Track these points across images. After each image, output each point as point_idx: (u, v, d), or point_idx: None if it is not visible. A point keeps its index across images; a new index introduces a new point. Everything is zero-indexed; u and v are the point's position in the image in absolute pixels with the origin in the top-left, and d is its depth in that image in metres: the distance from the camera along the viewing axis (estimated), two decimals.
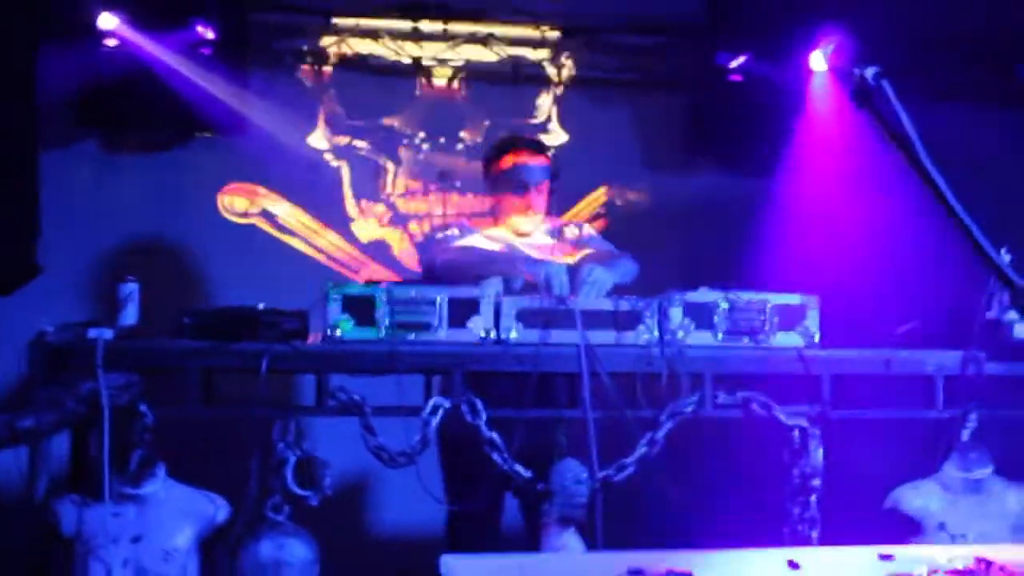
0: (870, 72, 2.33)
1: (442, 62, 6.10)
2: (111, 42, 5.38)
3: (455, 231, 4.60)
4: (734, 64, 5.83)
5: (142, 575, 3.54)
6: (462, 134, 6.14)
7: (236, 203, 5.91)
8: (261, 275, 5.63)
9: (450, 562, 2.36)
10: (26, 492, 3.63)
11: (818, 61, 5.50)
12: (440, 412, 3.78)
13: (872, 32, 5.44)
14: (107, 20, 5.33)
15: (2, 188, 3.86)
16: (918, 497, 4.04)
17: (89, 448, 3.77)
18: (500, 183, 4.60)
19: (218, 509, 3.72)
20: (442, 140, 6.15)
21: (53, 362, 3.65)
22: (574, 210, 5.99)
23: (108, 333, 3.68)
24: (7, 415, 3.47)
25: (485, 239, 4.55)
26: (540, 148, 4.78)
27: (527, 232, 4.58)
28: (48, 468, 3.66)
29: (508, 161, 4.59)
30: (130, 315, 3.86)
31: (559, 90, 6.18)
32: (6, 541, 3.65)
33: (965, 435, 4.05)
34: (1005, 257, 3.87)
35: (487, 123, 6.11)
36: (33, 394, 3.56)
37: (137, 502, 3.60)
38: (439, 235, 4.63)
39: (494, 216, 4.68)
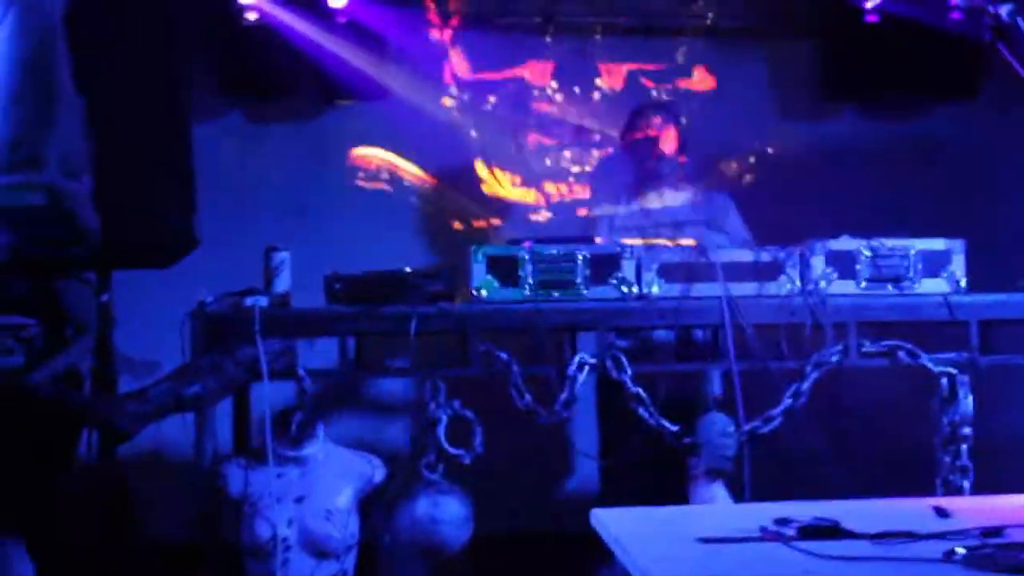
0: (1004, 9, 2.30)
1: (572, 16, 6.08)
2: (252, 15, 5.51)
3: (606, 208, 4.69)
4: (870, 4, 5.73)
5: (305, 534, 3.68)
6: (598, 82, 6.12)
7: (373, 168, 6.00)
8: (404, 238, 5.75)
9: (600, 515, 2.42)
10: (194, 456, 3.80)
11: None
12: (586, 368, 3.84)
13: None
14: None
15: (162, 164, 4.01)
16: None
17: (251, 412, 3.92)
18: (633, 145, 4.70)
19: (375, 469, 3.84)
20: (576, 90, 6.14)
21: (213, 331, 3.81)
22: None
23: (263, 300, 3.82)
24: (173, 382, 3.64)
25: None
26: (670, 119, 4.82)
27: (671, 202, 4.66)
28: (213, 433, 3.82)
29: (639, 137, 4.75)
30: (283, 282, 3.99)
31: (693, 40, 6.12)
32: (178, 503, 3.83)
33: None
34: None
35: (625, 69, 6.08)
36: (196, 362, 3.72)
37: (299, 463, 3.74)
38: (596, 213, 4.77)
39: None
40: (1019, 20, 2.28)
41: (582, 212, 5.32)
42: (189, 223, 4.01)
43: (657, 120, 4.77)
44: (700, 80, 5.94)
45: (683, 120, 4.92)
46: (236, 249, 5.42)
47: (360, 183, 5.94)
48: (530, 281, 3.91)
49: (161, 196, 3.93)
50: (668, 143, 4.75)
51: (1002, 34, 2.28)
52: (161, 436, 3.77)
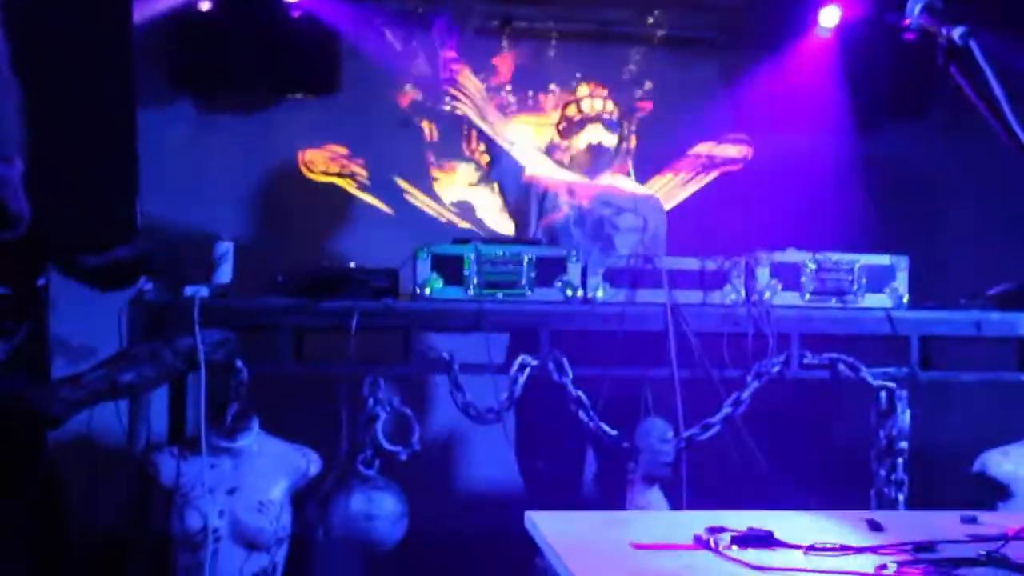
0: (958, 32, 2.30)
1: (529, 21, 6.09)
2: (205, 5, 5.47)
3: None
4: (824, 20, 5.78)
5: (237, 525, 3.63)
6: (551, 87, 6.13)
7: (324, 163, 5.96)
8: (350, 235, 5.73)
9: (536, 518, 2.40)
10: (127, 444, 3.76)
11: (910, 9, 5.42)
12: (527, 370, 3.83)
13: None
14: None
15: (104, 151, 3.96)
16: (1007, 462, 4.00)
17: (186, 402, 3.88)
18: (572, 123, 4.82)
19: (310, 463, 3.81)
20: (530, 95, 6.15)
21: (152, 319, 3.76)
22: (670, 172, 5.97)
23: (204, 291, 3.78)
24: (108, 369, 3.60)
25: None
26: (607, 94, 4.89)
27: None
28: (147, 421, 3.77)
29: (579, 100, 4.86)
30: (224, 273, 3.96)
31: (648, 50, 6.14)
32: (108, 492, 3.77)
33: None
34: None
35: (578, 76, 6.10)
36: (133, 349, 3.67)
37: (232, 455, 3.70)
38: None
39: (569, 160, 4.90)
40: (972, 43, 2.28)
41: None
42: (131, 211, 3.95)
43: (600, 106, 4.80)
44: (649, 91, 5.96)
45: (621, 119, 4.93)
46: (181, 237, 5.41)
47: (311, 177, 5.91)
48: (475, 281, 3.89)
49: (101, 183, 3.88)
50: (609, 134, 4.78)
51: (955, 57, 2.28)
52: (93, 422, 3.71)
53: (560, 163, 4.94)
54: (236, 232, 5.36)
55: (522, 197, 4.77)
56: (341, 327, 3.76)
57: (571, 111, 4.88)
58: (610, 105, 4.84)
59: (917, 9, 2.45)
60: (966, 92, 2.23)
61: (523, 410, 4.36)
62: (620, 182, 4.88)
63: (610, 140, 4.80)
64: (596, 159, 4.78)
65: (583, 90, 4.91)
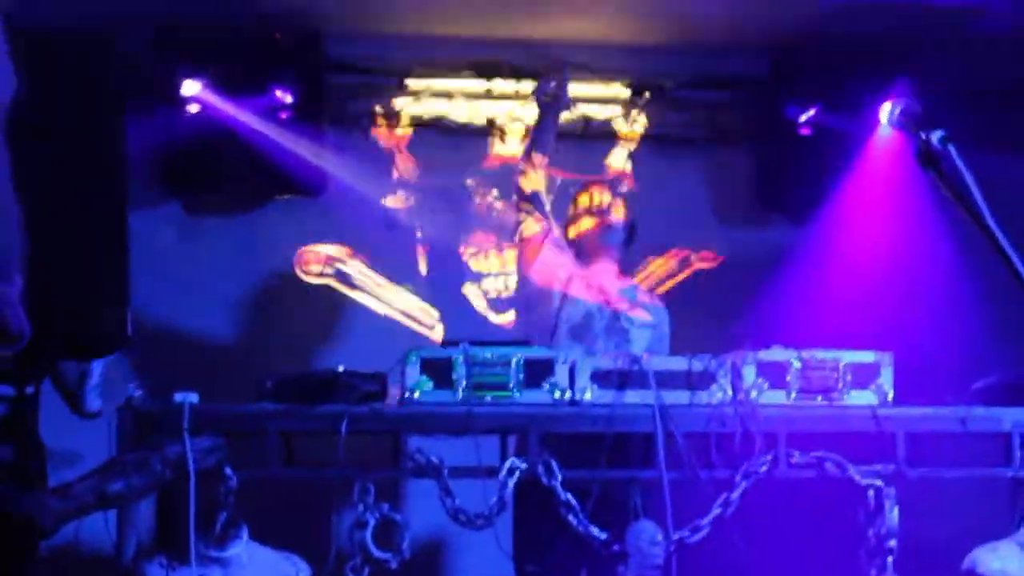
0: (936, 136, 2.36)
1: (515, 120, 6.17)
2: (193, 108, 5.53)
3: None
4: (803, 118, 5.88)
5: None
6: None
7: (314, 264, 6.01)
8: (340, 335, 5.75)
9: None
10: (115, 554, 3.74)
11: (885, 116, 5.53)
12: (516, 473, 3.83)
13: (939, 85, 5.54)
14: (190, 87, 5.49)
15: (96, 259, 4.01)
16: (996, 559, 4.00)
17: (176, 511, 3.87)
18: (580, 216, 4.78)
19: (299, 571, 3.80)
20: (515, 197, 6.21)
21: (141, 427, 3.77)
22: (650, 267, 6.03)
23: (194, 397, 3.78)
24: (96, 479, 3.59)
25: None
26: (618, 191, 4.93)
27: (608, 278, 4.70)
28: (136, 531, 3.76)
29: (589, 195, 4.82)
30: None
31: (630, 146, 6.23)
32: None
33: None
34: None
35: (559, 180, 6.17)
36: (121, 458, 3.67)
37: (222, 564, 3.69)
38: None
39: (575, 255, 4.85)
40: (950, 147, 2.34)
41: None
42: (122, 317, 3.99)
43: (604, 192, 4.82)
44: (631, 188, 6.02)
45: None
46: (170, 342, 5.43)
47: (303, 278, 5.95)
48: (463, 383, 3.91)
49: (93, 290, 3.92)
50: (616, 213, 4.79)
51: (932, 160, 2.33)
52: (81, 531, 3.70)
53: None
54: (227, 335, 5.44)
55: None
56: (331, 431, 3.77)
57: (583, 201, 4.87)
58: (619, 204, 4.85)
59: (896, 112, 2.51)
60: (945, 193, 2.29)
61: (519, 513, 4.37)
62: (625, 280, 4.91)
63: (619, 236, 4.82)
64: (606, 252, 4.78)
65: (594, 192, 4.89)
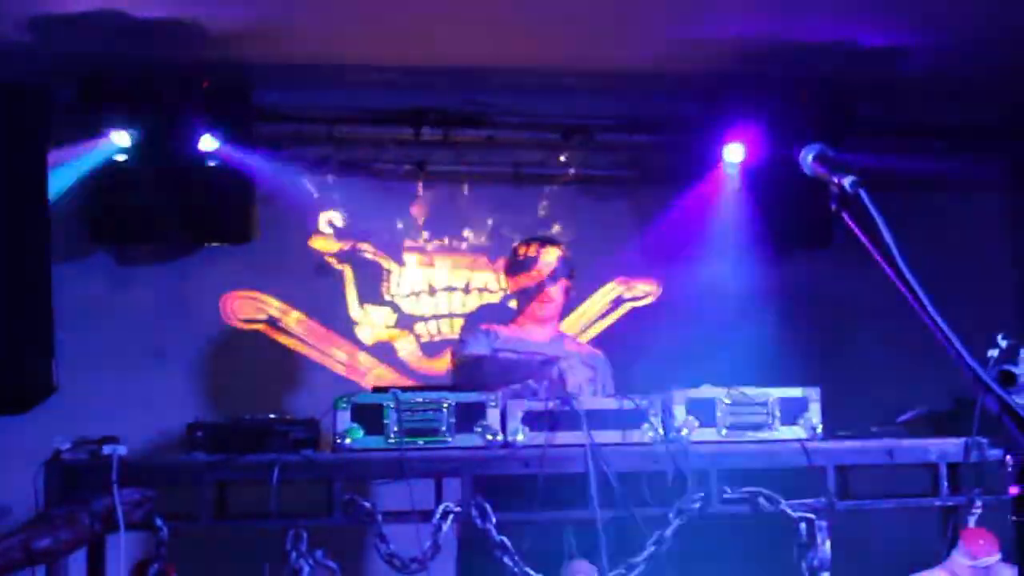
0: (848, 180, 2.41)
1: (443, 165, 6.20)
2: (121, 157, 5.50)
3: (480, 336, 4.76)
4: (728, 156, 5.95)
5: None
6: (465, 233, 6.23)
7: (243, 311, 5.98)
8: (271, 382, 5.72)
9: None
10: None
11: (804, 159, 5.61)
12: (451, 517, 3.83)
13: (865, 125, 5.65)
14: (117, 137, 5.46)
15: (18, 306, 3.97)
16: None
17: (106, 565, 3.81)
18: (521, 277, 4.82)
19: None
20: (446, 240, 6.25)
21: (69, 480, 3.72)
22: (583, 306, 6.07)
23: (122, 449, 3.74)
24: (23, 535, 3.53)
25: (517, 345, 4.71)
26: (557, 243, 4.96)
27: (542, 338, 4.73)
28: None
29: (527, 255, 4.84)
30: None
31: (560, 189, 6.28)
32: None
33: (971, 522, 4.07)
34: (1002, 344, 3.95)
35: (490, 222, 6.22)
36: (49, 513, 3.61)
37: None
38: (467, 337, 4.84)
39: (515, 313, 4.91)
40: (861, 191, 2.39)
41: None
42: (47, 368, 3.94)
43: (551, 260, 4.85)
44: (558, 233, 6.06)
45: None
46: (98, 392, 5.37)
47: (234, 325, 5.91)
48: (395, 429, 3.90)
49: (17, 341, 3.87)
50: (558, 285, 4.83)
51: (847, 204, 2.39)
52: None
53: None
54: (156, 384, 5.39)
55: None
56: (263, 481, 3.74)
57: (521, 252, 4.92)
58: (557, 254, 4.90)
59: (810, 158, 2.58)
60: (858, 236, 2.34)
61: (463, 556, 4.37)
62: (566, 341, 4.95)
63: (557, 306, 4.88)
64: (545, 309, 4.84)
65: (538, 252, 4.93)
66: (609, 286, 6.24)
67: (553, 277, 4.81)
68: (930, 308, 2.20)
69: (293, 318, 6.03)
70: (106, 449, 3.71)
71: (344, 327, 6.10)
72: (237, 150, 5.67)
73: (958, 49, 5.50)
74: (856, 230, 2.35)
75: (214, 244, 5.84)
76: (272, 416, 3.99)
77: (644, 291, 6.25)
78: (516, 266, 4.89)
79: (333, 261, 6.15)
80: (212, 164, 5.64)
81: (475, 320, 5.71)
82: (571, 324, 5.76)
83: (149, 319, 5.74)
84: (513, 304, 5.08)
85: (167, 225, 5.66)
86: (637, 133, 6.26)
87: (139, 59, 5.41)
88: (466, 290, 6.21)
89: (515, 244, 5.03)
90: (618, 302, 6.23)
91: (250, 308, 5.97)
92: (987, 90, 5.94)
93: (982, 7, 5.15)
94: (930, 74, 5.74)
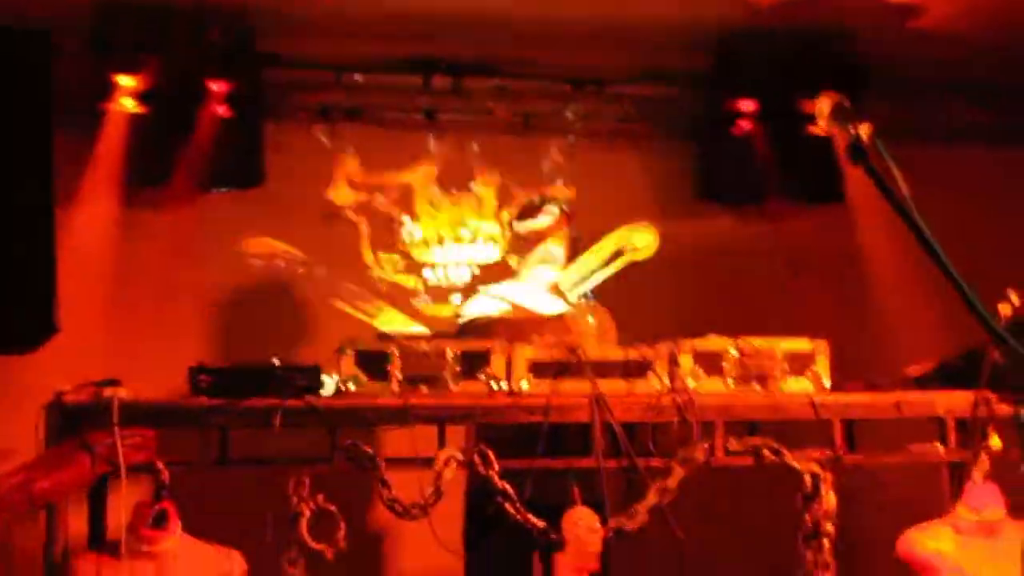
0: (864, 130, 2.37)
1: (453, 114, 6.15)
2: (128, 101, 5.47)
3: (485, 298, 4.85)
4: (741, 112, 5.89)
5: None
6: (475, 184, 6.18)
7: (252, 256, 5.94)
8: (280, 328, 5.70)
9: None
10: (44, 551, 3.68)
11: (817, 111, 5.55)
12: (453, 464, 3.82)
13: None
14: (126, 81, 5.43)
15: (18, 248, 3.95)
16: (931, 540, 4.04)
17: (106, 506, 3.81)
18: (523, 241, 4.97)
19: (235, 564, 3.75)
20: (454, 190, 6.20)
21: (71, 422, 3.71)
22: (583, 257, 6.02)
23: (123, 391, 3.73)
24: (23, 476, 3.52)
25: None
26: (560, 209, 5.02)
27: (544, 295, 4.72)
28: (64, 526, 3.70)
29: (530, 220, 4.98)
30: None
31: (569, 141, 6.22)
32: None
33: (976, 476, 4.05)
34: (1014, 299, 3.91)
35: (499, 172, 6.17)
36: (49, 454, 3.61)
37: (153, 558, 3.64)
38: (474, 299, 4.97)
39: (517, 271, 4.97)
40: (878, 141, 2.35)
41: None
42: (48, 309, 3.92)
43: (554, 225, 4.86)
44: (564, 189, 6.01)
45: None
46: (103, 336, 5.36)
47: (244, 270, 5.89)
48: (399, 376, 3.88)
49: (18, 281, 3.85)
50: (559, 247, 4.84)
51: (860, 155, 2.34)
52: (9, 528, 3.64)
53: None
54: (161, 330, 5.37)
55: None
56: (265, 426, 3.74)
57: (523, 211, 4.96)
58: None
59: (826, 108, 2.53)
60: (873, 187, 2.29)
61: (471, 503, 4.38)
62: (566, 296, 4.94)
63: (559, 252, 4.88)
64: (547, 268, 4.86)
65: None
66: (611, 238, 6.18)
67: (554, 236, 4.80)
68: (944, 259, 2.16)
69: (303, 264, 5.99)
70: (107, 391, 3.70)
71: (355, 274, 6.06)
72: (246, 97, 5.62)
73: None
74: (873, 181, 2.30)
75: (223, 190, 5.79)
76: (275, 361, 3.97)
77: (646, 242, 6.19)
78: (519, 228, 4.91)
79: (344, 209, 6.10)
80: (220, 109, 5.59)
81: (481, 274, 5.70)
82: (571, 275, 5.71)
83: (155, 263, 5.71)
84: (514, 262, 5.07)
85: (176, 171, 5.63)
86: (647, 85, 6.19)
87: (147, 6, 5.36)
88: (474, 239, 6.16)
89: (518, 203, 5.03)
90: (619, 253, 6.17)
91: (260, 253, 5.93)
92: (1011, 46, 5.83)
93: None
94: (947, 28, 5.65)
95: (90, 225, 5.53)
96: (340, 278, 5.97)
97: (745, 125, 5.91)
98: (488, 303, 4.80)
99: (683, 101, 6.15)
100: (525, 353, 4.00)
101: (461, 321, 4.86)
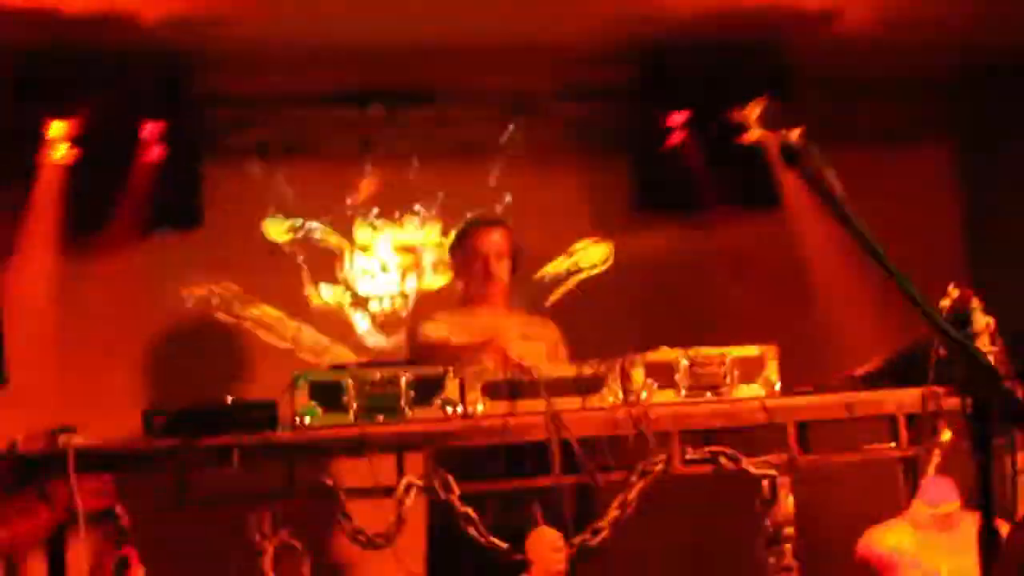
0: (795, 134, 2.42)
1: (391, 142, 6.17)
2: (62, 148, 5.42)
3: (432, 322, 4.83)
4: (674, 124, 5.96)
5: None
6: (416, 210, 6.21)
7: (194, 297, 5.92)
8: (228, 367, 5.67)
9: None
10: None
11: (750, 118, 5.65)
12: (413, 491, 3.82)
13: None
14: (57, 128, 5.38)
15: None
16: (889, 537, 4.09)
17: (66, 555, 3.77)
18: (466, 258, 4.88)
19: None
20: (396, 215, 6.22)
21: (26, 472, 3.66)
22: (535, 278, 6.06)
23: (78, 437, 3.69)
24: None
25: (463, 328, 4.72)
26: (500, 223, 5.01)
27: (491, 318, 4.73)
28: None
29: (471, 237, 4.92)
30: None
31: (509, 162, 6.26)
32: None
33: (930, 470, 4.11)
34: (953, 292, 3.98)
35: (441, 196, 6.19)
36: (4, 506, 3.57)
37: None
38: (420, 324, 4.92)
39: (463, 295, 4.96)
40: (809, 145, 2.39)
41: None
42: None
43: (496, 240, 4.89)
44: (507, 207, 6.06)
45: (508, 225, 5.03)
46: (53, 386, 5.30)
47: (186, 312, 5.86)
48: (354, 406, 3.88)
49: None
50: (503, 264, 4.87)
51: (793, 158, 2.38)
52: None
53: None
54: (109, 372, 5.33)
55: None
56: (223, 463, 3.71)
57: (466, 232, 4.98)
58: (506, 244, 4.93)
59: (755, 115, 2.57)
60: (807, 190, 2.34)
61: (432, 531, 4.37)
62: (512, 316, 4.95)
63: (504, 284, 4.90)
64: (491, 288, 4.87)
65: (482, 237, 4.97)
66: (559, 258, 6.23)
67: (498, 257, 4.84)
68: (882, 255, 2.20)
69: (246, 302, 5.98)
70: (62, 438, 3.66)
71: (298, 309, 6.06)
72: (180, 136, 5.60)
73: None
74: (807, 183, 2.35)
75: (163, 231, 5.76)
76: (230, 399, 3.95)
77: (595, 260, 6.24)
78: (461, 247, 4.96)
79: (285, 244, 6.10)
80: (155, 151, 5.56)
81: (427, 301, 5.73)
82: (522, 297, 5.74)
83: (99, 309, 5.67)
84: (460, 286, 5.10)
85: (113, 215, 5.59)
86: (582, 103, 6.25)
87: (77, 50, 5.33)
88: (418, 267, 6.19)
89: (460, 225, 5.07)
90: (569, 272, 6.22)
91: (202, 294, 5.91)
92: (928, 46, 5.96)
93: None
94: (868, 33, 5.77)
95: (32, 275, 5.47)
96: (285, 314, 5.97)
97: (678, 137, 5.98)
98: (433, 324, 4.83)
99: (618, 116, 6.21)
100: (478, 376, 4.01)
101: (412, 346, 4.86)
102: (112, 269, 5.77)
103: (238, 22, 5.27)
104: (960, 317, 3.88)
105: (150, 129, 5.51)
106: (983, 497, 2.33)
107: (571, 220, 6.21)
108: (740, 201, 5.99)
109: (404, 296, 6.15)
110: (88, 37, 5.23)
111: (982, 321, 3.90)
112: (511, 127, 6.24)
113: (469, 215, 5.65)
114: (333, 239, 6.15)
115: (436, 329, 4.81)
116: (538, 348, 4.75)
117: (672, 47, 5.88)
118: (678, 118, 5.93)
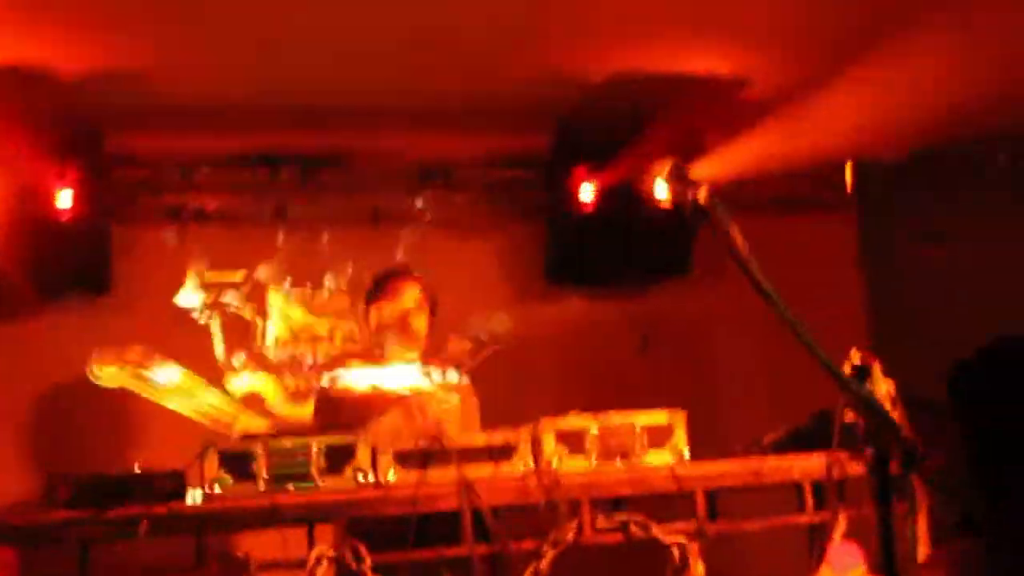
0: (702, 192, 2.48)
1: (302, 208, 6.16)
2: None
3: (341, 373, 4.77)
4: (583, 191, 6.02)
5: None
6: (327, 280, 6.18)
7: (102, 366, 5.83)
8: (137, 437, 5.58)
9: None
10: None
11: (657, 183, 5.72)
12: (324, 561, 3.78)
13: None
14: None
15: None
16: None
17: None
18: (383, 310, 4.88)
19: None
20: (308, 287, 6.19)
21: None
22: (447, 346, 6.04)
23: None
24: None
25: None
26: (414, 277, 5.02)
27: (406, 372, 4.73)
28: None
29: (391, 289, 4.92)
30: None
31: (419, 230, 6.28)
32: None
33: (837, 536, 4.16)
34: (855, 357, 4.06)
35: (351, 267, 6.18)
36: None
37: None
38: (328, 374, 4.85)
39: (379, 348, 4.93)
40: (715, 202, 2.45)
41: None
42: None
43: (408, 292, 4.88)
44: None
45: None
46: None
47: (94, 381, 5.76)
48: (265, 475, 3.85)
49: None
50: (418, 318, 4.86)
51: (703, 216, 2.44)
52: None
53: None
54: (16, 446, 5.23)
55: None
56: (130, 536, 3.65)
57: (383, 285, 4.97)
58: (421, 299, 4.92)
59: (664, 175, 2.64)
60: (720, 244, 2.39)
61: None
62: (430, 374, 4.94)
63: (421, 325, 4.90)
64: (408, 342, 4.87)
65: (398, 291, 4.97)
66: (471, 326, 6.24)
67: (416, 309, 4.84)
68: (789, 316, 2.26)
69: (155, 371, 5.89)
70: None
71: (209, 378, 5.98)
72: (92, 198, 5.55)
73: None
74: (720, 240, 2.40)
75: (71, 297, 5.68)
76: (137, 469, 3.89)
77: (506, 328, 6.25)
78: (377, 298, 4.92)
79: (195, 311, 6.03)
80: (64, 214, 5.50)
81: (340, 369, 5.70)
82: (435, 364, 5.73)
83: (5, 375, 5.56)
84: (376, 340, 5.06)
85: (20, 279, 5.50)
86: (493, 170, 6.30)
87: None
88: (331, 338, 6.15)
89: (376, 277, 5.04)
90: (482, 341, 6.22)
91: (110, 363, 5.81)
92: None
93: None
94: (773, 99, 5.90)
95: None
96: (195, 384, 5.89)
97: (588, 204, 6.04)
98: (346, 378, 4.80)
99: (528, 183, 6.27)
100: (390, 443, 4.00)
101: (317, 396, 4.83)
102: (16, 335, 5.68)
103: (153, 79, 5.26)
104: (862, 376, 3.96)
105: (60, 189, 5.45)
106: (884, 545, 2.38)
107: (484, 290, 6.22)
108: (651, 269, 6.07)
109: (316, 366, 6.10)
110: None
111: (883, 386, 3.97)
112: (424, 193, 6.26)
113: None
114: (246, 310, 6.09)
115: (339, 381, 4.77)
116: (452, 399, 4.74)
117: (580, 113, 5.96)
118: (587, 185, 6.00)
